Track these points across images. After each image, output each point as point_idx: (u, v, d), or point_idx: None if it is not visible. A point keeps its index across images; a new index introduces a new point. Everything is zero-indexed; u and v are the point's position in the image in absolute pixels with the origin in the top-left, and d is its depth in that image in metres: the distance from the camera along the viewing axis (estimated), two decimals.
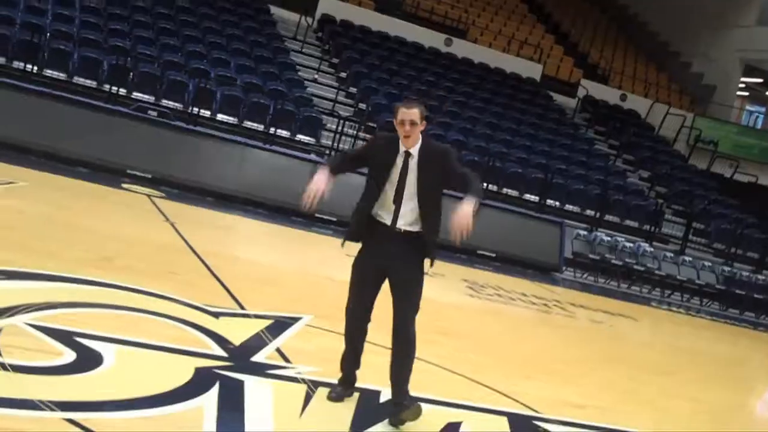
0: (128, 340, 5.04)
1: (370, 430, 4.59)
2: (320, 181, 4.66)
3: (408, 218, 4.70)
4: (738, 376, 10.83)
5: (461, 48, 23.67)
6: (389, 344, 4.80)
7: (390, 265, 4.71)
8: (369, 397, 5.05)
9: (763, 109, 33.44)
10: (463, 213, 4.41)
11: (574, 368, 7.98)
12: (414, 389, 5.17)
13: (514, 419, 5.49)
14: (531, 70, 24.41)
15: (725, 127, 25.92)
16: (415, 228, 4.71)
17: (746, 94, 32.20)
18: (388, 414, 4.73)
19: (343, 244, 4.87)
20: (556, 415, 5.83)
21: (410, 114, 4.66)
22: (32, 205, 8.94)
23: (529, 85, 24.04)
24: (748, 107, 33.01)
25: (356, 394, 5.00)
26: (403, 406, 4.67)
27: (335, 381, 5.00)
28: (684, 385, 8.59)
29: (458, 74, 22.50)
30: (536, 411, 5.81)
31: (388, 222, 4.71)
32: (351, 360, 4.94)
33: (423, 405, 5.17)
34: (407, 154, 4.71)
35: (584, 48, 28.25)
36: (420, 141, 4.74)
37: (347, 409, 4.80)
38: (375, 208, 4.75)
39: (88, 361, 4.53)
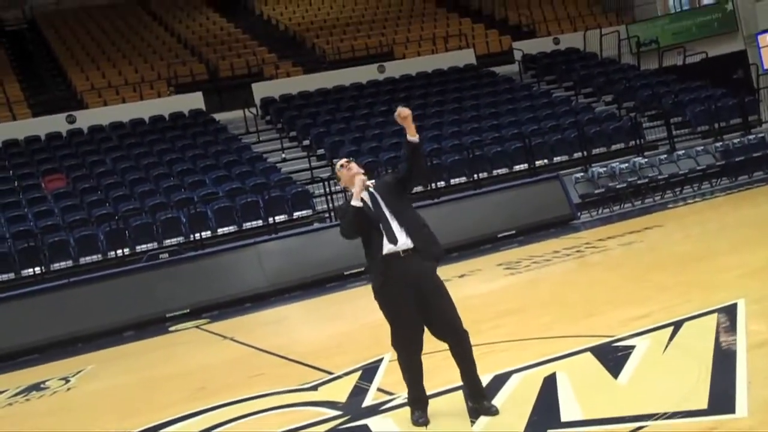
0: None
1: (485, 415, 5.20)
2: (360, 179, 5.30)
3: (404, 239, 5.20)
4: None
5: (395, 68, 24.59)
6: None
7: (414, 284, 5.17)
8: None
9: None
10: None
11: (625, 290, 8.65)
12: (499, 367, 5.90)
13: (596, 350, 6.15)
14: (465, 57, 25.30)
15: (657, 22, 26.71)
16: (413, 244, 5.20)
17: None
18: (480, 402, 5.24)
19: (377, 293, 5.34)
20: (629, 331, 6.50)
21: (343, 161, 5.55)
22: (109, 380, 9.63)
23: (470, 71, 24.89)
24: None
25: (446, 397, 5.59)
26: (486, 398, 5.26)
27: (439, 390, 5.60)
28: (727, 260, 9.20)
29: (404, 92, 23.36)
30: (611, 336, 6.48)
31: (394, 250, 5.18)
32: (418, 383, 5.37)
33: (516, 375, 5.89)
34: (366, 188, 5.36)
35: (500, 14, 29.18)
36: None
37: (460, 405, 5.44)
38: (383, 249, 5.20)
39: None
